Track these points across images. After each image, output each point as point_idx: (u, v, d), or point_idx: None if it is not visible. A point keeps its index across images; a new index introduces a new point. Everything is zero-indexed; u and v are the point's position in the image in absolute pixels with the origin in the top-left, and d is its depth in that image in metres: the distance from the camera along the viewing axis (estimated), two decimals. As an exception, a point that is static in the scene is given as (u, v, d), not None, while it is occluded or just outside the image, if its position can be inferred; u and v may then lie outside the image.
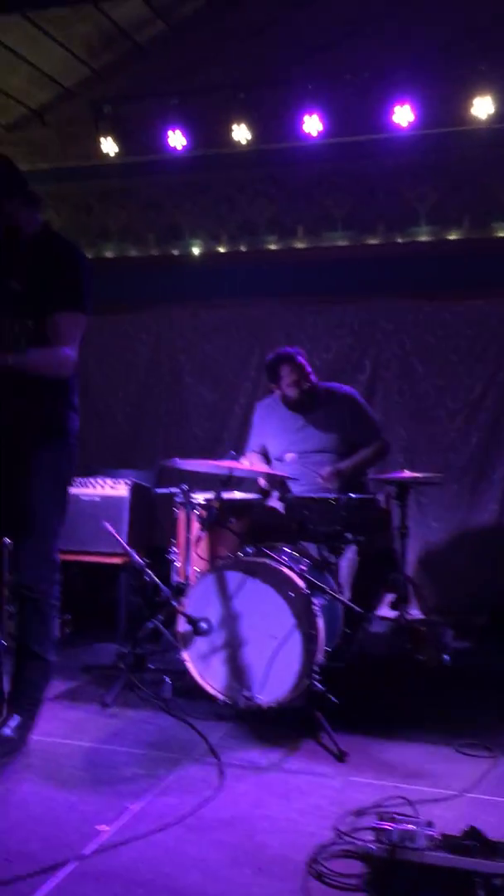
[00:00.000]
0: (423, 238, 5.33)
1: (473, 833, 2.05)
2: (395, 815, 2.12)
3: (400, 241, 5.41)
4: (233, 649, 3.41)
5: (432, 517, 5.42)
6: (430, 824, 2.04)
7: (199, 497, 3.86)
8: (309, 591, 3.30)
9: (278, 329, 5.60)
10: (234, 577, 3.43)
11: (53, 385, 2.92)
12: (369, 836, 2.13)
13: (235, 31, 5.22)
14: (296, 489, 4.21)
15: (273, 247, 5.64)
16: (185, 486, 3.87)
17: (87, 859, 2.18)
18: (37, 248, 2.91)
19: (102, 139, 5.32)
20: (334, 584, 3.67)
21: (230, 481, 3.77)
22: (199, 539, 3.79)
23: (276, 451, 4.35)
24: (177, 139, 5.17)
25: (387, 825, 2.04)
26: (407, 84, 4.77)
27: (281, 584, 3.34)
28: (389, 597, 4.26)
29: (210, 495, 3.78)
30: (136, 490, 4.52)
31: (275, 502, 4.26)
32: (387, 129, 4.88)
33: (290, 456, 4.27)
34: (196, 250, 5.75)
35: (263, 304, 5.66)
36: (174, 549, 4.00)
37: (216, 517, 3.70)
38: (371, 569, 3.98)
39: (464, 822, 2.14)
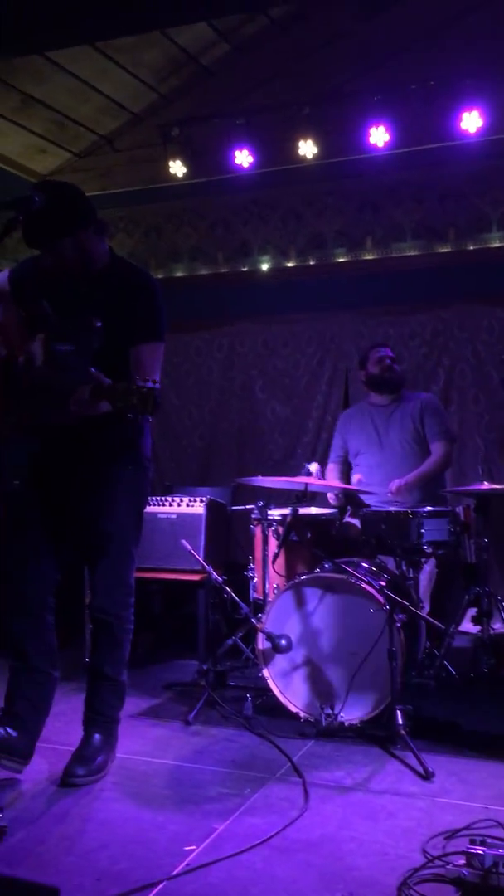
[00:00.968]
0: (496, 244, 5.24)
1: None
2: (487, 839, 2.07)
3: (472, 248, 5.33)
4: (313, 666, 3.40)
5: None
6: (524, 849, 1.99)
7: (276, 513, 3.86)
8: (389, 607, 3.26)
9: (349, 341, 5.57)
10: (313, 594, 3.42)
11: None
12: (460, 860, 2.08)
13: (297, 46, 5.25)
14: (370, 500, 4.23)
15: (342, 259, 5.61)
16: (262, 503, 3.87)
17: (176, 879, 2.18)
18: (109, 277, 2.92)
19: (171, 162, 5.40)
20: (415, 598, 3.62)
21: (305, 497, 3.76)
22: (276, 555, 3.79)
23: (355, 448, 4.56)
24: (243, 158, 5.21)
25: (479, 849, 2.00)
26: (473, 90, 4.71)
27: (361, 599, 3.31)
28: (472, 611, 4.17)
29: (286, 511, 3.78)
30: (211, 507, 4.54)
31: (351, 517, 4.25)
32: (455, 136, 4.83)
33: (356, 478, 4.46)
34: (265, 266, 5.78)
35: (334, 317, 5.64)
36: (251, 565, 4.01)
37: (293, 533, 3.69)
38: (451, 583, 3.93)
39: None
